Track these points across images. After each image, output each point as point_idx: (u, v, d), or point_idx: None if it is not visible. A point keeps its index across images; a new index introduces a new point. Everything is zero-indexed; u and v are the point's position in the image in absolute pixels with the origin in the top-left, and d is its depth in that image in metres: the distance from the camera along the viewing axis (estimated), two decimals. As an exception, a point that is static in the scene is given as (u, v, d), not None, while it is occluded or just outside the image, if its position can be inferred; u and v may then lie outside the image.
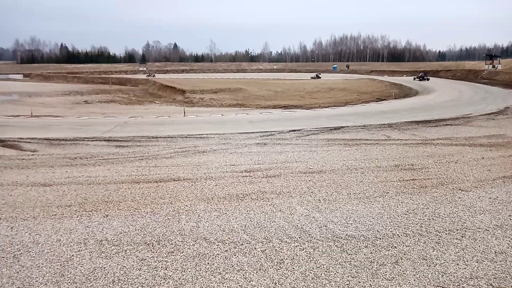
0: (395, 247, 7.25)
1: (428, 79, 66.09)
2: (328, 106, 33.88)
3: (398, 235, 7.79)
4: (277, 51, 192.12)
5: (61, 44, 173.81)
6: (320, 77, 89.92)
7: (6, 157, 14.83)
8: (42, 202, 9.79)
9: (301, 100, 40.00)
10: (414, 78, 69.50)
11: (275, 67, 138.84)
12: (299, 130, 20.80)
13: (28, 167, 13.27)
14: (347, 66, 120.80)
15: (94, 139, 18.63)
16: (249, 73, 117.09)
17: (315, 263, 6.65)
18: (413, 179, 11.61)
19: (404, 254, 6.97)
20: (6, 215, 8.87)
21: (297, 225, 8.24)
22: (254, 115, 28.55)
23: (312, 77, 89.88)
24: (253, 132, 20.29)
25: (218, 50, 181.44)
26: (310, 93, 47.00)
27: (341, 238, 7.63)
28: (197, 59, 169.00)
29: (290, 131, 20.52)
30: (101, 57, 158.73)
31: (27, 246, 7.35)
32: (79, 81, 78.86)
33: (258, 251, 7.08)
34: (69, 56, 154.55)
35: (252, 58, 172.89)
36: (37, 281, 6.15)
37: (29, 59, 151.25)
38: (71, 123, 24.64)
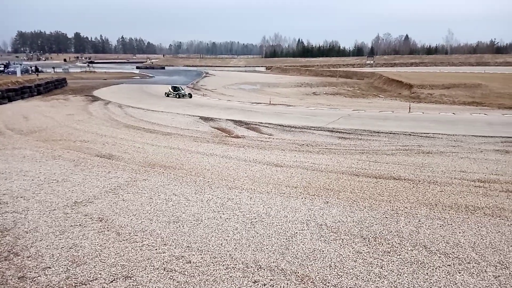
0: None
1: None
2: None
3: None
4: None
5: (298, 40, 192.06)
6: None
7: (250, 138, 17.68)
8: (274, 180, 11.26)
9: None
10: None
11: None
12: (560, 139, 16.61)
13: (265, 148, 15.43)
14: None
15: (319, 129, 19.97)
16: (492, 66, 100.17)
17: None
18: None
19: None
20: (247, 186, 10.65)
21: (547, 257, 6.72)
22: (495, 116, 24.42)
23: None
24: (491, 136, 17.46)
25: (456, 41, 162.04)
26: None
27: None
28: (430, 51, 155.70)
29: (545, 139, 16.65)
30: (331, 51, 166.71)
31: (261, 216, 8.65)
32: (310, 74, 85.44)
33: (490, 276, 6.17)
34: (304, 51, 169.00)
35: (498, 50, 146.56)
36: (267, 248, 7.18)
37: (272, 53, 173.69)
38: (300, 112, 27.08)
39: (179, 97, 35.72)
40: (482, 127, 20.24)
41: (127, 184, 10.69)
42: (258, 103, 33.55)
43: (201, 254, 6.89)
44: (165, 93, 37.18)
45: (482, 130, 19.20)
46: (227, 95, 40.57)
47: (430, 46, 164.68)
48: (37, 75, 53.08)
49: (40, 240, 7.41)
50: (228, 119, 22.78)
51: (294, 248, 7.16)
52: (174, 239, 7.47)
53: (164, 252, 6.94)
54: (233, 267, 6.48)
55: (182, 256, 6.82)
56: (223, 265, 6.54)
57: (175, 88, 37.36)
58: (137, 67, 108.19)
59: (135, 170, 12.08)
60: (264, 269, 6.40)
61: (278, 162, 13.19)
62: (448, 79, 48.07)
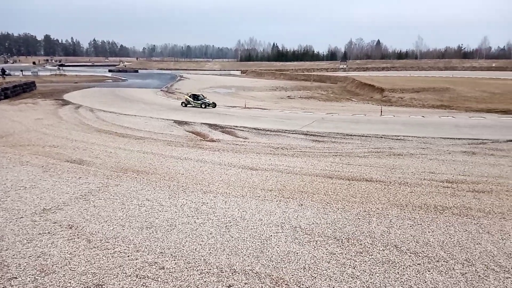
0: None
1: None
2: None
3: None
4: (498, 46, 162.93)
5: (273, 44, 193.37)
6: None
7: (225, 141, 17.63)
8: (249, 183, 11.26)
9: (527, 104, 33.17)
10: None
11: (494, 65, 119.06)
12: (521, 141, 17.39)
13: (240, 152, 15.43)
14: None
15: (294, 132, 20.15)
16: (459, 71, 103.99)
17: (532, 304, 5.56)
18: None
19: None
20: (222, 190, 10.61)
21: (510, 254, 7.01)
22: (462, 119, 25.33)
23: None
24: (459, 138, 18.09)
25: (425, 46, 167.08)
26: (542, 96, 38.40)
27: None
28: (400, 56, 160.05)
29: (508, 141, 17.39)
30: (306, 55, 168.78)
31: (236, 220, 8.63)
32: (285, 78, 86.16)
33: (457, 273, 6.38)
34: (279, 55, 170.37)
35: (465, 55, 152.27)
36: (241, 251, 7.17)
37: (247, 57, 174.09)
38: (275, 116, 27.25)
39: (205, 107, 30.52)
40: (450, 130, 20.94)
41: (98, 190, 10.45)
42: (233, 106, 33.54)
43: (174, 260, 6.80)
44: (182, 103, 32.02)
45: (450, 133, 19.86)
46: (202, 99, 40.34)
47: (400, 51, 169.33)
48: (4, 78, 51.25)
49: (6, 250, 7.12)
50: (203, 123, 22.66)
51: (268, 251, 7.18)
52: (147, 245, 7.35)
53: (136, 259, 6.81)
54: (207, 272, 6.43)
55: (155, 262, 6.71)
56: (197, 270, 6.48)
57: (196, 97, 31.69)
58: (110, 70, 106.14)
59: (107, 176, 11.82)
60: (238, 273, 6.39)
61: (253, 166, 13.21)
62: (418, 83, 49.56)
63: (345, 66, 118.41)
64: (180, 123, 22.72)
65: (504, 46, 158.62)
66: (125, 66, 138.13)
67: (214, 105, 31.31)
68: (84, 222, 8.36)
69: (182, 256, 6.92)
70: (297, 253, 7.07)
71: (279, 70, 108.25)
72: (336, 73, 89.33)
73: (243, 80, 78.64)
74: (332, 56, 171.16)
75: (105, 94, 40.99)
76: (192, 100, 31.56)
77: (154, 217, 8.66)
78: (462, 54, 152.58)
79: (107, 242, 7.43)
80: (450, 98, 38.29)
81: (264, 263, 6.74)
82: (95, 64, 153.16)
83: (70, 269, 6.47)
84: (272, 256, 6.97)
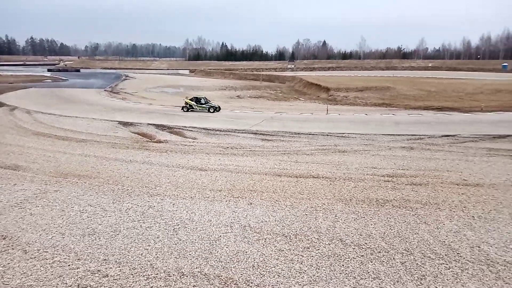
0: None
1: None
2: (493, 111, 29.48)
3: None
4: (434, 48, 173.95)
5: (222, 43, 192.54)
6: None
7: (173, 142, 17.29)
8: (198, 184, 11.13)
9: (458, 102, 35.73)
10: None
11: (430, 65, 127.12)
12: (453, 135, 18.72)
13: (189, 153, 15.20)
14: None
15: (243, 131, 20.21)
16: (399, 71, 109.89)
17: (462, 286, 5.99)
18: None
19: None
20: (169, 192, 10.39)
21: (444, 241, 7.51)
22: (401, 116, 26.79)
23: None
24: (399, 135, 19.10)
25: (367, 47, 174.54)
26: (471, 94, 41.59)
27: (497, 263, 6.67)
28: (345, 56, 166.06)
29: (442, 136, 18.64)
30: (254, 55, 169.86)
31: (184, 222, 8.48)
32: (234, 77, 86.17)
33: (397, 262, 6.72)
34: (228, 54, 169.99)
35: (405, 55, 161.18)
36: (190, 254, 7.06)
37: (195, 56, 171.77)
38: (225, 116, 27.15)
39: (213, 111, 27.88)
40: (390, 126, 22.06)
41: (35, 197, 9.81)
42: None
43: (119, 267, 6.55)
44: (183, 107, 28.54)
45: (391, 129, 20.92)
46: (149, 99, 39.25)
47: (345, 51, 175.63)
48: None
49: None
50: (150, 124, 22.05)
51: (218, 251, 7.13)
52: (90, 252, 7.02)
53: (78, 268, 6.48)
54: (154, 277, 6.26)
55: (99, 270, 6.43)
56: (144, 275, 6.29)
57: (198, 100, 28.74)
58: (49, 70, 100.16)
59: (45, 181, 11.13)
60: (187, 276, 6.28)
61: (203, 166, 13.07)
62: (361, 83, 51.67)
63: (293, 66, 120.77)
64: (125, 124, 21.95)
65: (439, 47, 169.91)
66: (65, 65, 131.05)
67: (219, 108, 28.78)
68: (20, 231, 7.81)
69: (127, 262, 6.68)
70: (246, 252, 7.09)
71: (229, 69, 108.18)
72: (284, 73, 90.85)
73: (192, 80, 77.63)
74: (280, 56, 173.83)
75: (44, 95, 38.63)
76: (195, 104, 28.33)
77: (97, 223, 8.29)
78: (402, 55, 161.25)
79: (45, 251, 7.00)
80: (391, 97, 40.30)
81: (213, 264, 6.69)
82: (32, 63, 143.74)
83: (3, 283, 6.01)
84: (221, 257, 6.93)
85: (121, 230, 7.96)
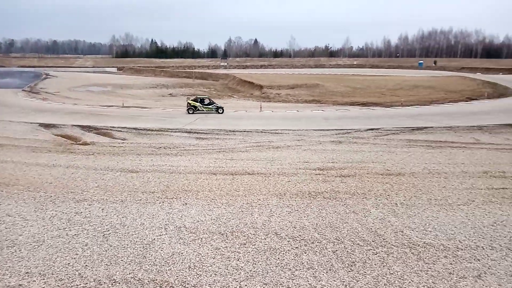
0: (479, 260, 6.70)
1: None
2: (411, 105, 32.05)
3: (482, 247, 7.18)
4: (358, 46, 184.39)
5: (152, 40, 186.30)
6: None
7: (100, 144, 16.41)
8: (129, 187, 10.69)
9: (381, 97, 38.30)
10: None
11: (355, 63, 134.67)
12: (377, 129, 20.01)
13: (119, 154, 14.54)
14: (435, 62, 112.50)
15: (177, 130, 19.79)
16: (327, 68, 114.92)
17: (389, 269, 6.42)
18: (503, 188, 10.58)
19: (489, 269, 6.42)
20: (98, 197, 9.85)
21: (371, 228, 8.00)
22: (330, 112, 28.05)
23: None
24: (328, 130, 19.98)
25: (297, 45, 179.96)
26: (392, 90, 44.77)
27: (418, 245, 7.25)
28: (276, 54, 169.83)
29: (367, 129, 19.84)
30: (186, 52, 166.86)
31: (115, 227, 8.10)
32: (165, 75, 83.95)
33: (329, 251, 7.02)
34: (158, 51, 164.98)
35: (332, 53, 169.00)
36: (122, 260, 6.75)
37: (123, 53, 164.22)
38: (157, 114, 26.38)
39: (222, 112, 27.20)
40: (320, 122, 23.01)
41: None
42: (109, 106, 31.40)
43: (44, 279, 6.07)
44: (189, 109, 27.24)
45: (321, 124, 21.82)
46: (73, 99, 36.84)
47: (276, 50, 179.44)
48: None
49: None
50: (75, 125, 20.71)
51: (152, 255, 6.91)
52: (9, 266, 6.42)
53: (-6, 285, 5.89)
54: (83, 287, 5.89)
55: (20, 285, 5.91)
56: (71, 286, 5.89)
57: (202, 100, 27.99)
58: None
59: (-48, 192, 9.97)
60: (119, 283, 6.00)
61: (133, 168, 12.58)
62: (292, 80, 53.21)
63: (226, 64, 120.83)
64: (47, 126, 20.40)
65: (363, 46, 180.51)
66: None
67: (222, 109, 27.89)
68: None
69: (52, 274, 6.22)
70: (182, 253, 6.95)
71: (159, 67, 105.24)
72: (217, 71, 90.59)
73: (120, 78, 74.31)
74: (212, 53, 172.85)
75: (-51, 96, 34.59)
76: (199, 104, 27.44)
77: (17, 234, 7.61)
78: (329, 53, 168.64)
79: (-47, 270, 6.27)
80: (320, 93, 41.98)
81: (147, 268, 6.46)
82: None
83: None
84: (155, 260, 6.73)
85: (44, 239, 7.38)
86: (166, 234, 7.74)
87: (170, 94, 45.98)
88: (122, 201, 9.57)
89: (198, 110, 27.30)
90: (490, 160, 13.65)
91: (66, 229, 7.87)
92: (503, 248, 7.14)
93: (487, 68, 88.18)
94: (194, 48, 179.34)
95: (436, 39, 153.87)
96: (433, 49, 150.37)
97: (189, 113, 27.05)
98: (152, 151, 15.12)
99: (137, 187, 10.67)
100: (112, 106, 31.45)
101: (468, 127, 20.48)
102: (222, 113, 27.27)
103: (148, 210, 8.99)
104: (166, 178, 11.51)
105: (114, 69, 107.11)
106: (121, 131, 19.47)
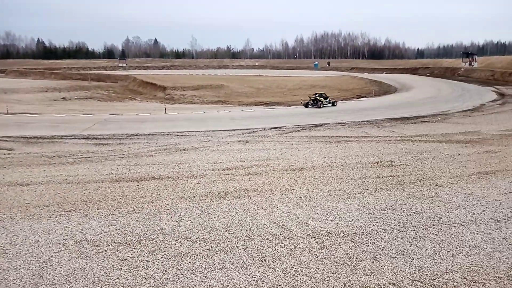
0: (374, 243, 7.41)
1: None
2: (310, 103, 34.21)
3: (376, 231, 7.96)
4: (259, 48, 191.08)
5: (38, 39, 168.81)
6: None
7: (-19, 156, 14.41)
8: (19, 202, 9.59)
9: (282, 97, 40.11)
10: None
11: (257, 64, 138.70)
12: (280, 127, 20.92)
13: (4, 166, 12.95)
14: (328, 63, 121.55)
15: (72, 137, 18.29)
16: (231, 69, 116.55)
17: (296, 260, 6.75)
18: (391, 176, 11.86)
19: (383, 250, 7.14)
20: (-19, 216, 8.65)
21: (279, 223, 8.32)
22: (236, 112, 28.51)
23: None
24: (235, 130, 20.28)
25: (199, 46, 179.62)
26: (292, 90, 47.18)
27: (322, 234, 7.75)
28: (178, 55, 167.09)
29: (272, 128, 20.62)
30: (79, 53, 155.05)
31: (3, 247, 7.20)
32: (56, 77, 76.91)
33: (240, 249, 7.13)
34: (46, 52, 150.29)
35: (234, 55, 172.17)
36: (14, 283, 6.04)
37: (4, 54, 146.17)
38: (48, 121, 24.03)
39: (336, 105, 31.17)
40: (227, 122, 23.25)
41: None
42: (-10, 113, 27.76)
43: None
44: (312, 104, 30.31)
45: (228, 125, 22.05)
46: None
47: (178, 50, 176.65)
48: None
49: None
50: None
51: (50, 274, 6.29)
52: None
53: None
54: (-36, 322, 5.11)
55: None
56: None
57: (321, 96, 30.96)
58: None
59: None
60: (10, 311, 5.34)
61: (23, 181, 11.30)
62: (197, 81, 52.86)
63: (124, 65, 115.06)
64: None
65: (263, 48, 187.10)
66: None
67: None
68: None
69: None
70: (85, 268, 6.45)
71: (49, 68, 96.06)
72: (115, 72, 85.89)
73: (3, 81, 66.24)
74: (109, 54, 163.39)
75: None
76: (323, 100, 30.42)
77: None
78: (231, 54, 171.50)
79: None
80: (225, 94, 42.43)
81: (44, 289, 5.86)
82: None
83: None
84: (54, 279, 6.14)
85: None
86: (65, 249, 7.11)
87: (63, 98, 42.37)
88: (11, 218, 8.54)
89: (323, 104, 30.27)
90: (379, 151, 15.19)
91: None
92: (394, 230, 8.00)
93: (372, 68, 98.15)
94: (88, 48, 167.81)
95: (328, 42, 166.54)
96: (326, 51, 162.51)
97: (313, 108, 30.06)
98: (45, 160, 13.75)
99: (29, 201, 9.61)
100: (-7, 113, 27.84)
101: (359, 122, 22.55)
102: (334, 105, 31.03)
103: (43, 225, 8.16)
104: (62, 189, 10.57)
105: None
106: (6, 140, 17.34)
